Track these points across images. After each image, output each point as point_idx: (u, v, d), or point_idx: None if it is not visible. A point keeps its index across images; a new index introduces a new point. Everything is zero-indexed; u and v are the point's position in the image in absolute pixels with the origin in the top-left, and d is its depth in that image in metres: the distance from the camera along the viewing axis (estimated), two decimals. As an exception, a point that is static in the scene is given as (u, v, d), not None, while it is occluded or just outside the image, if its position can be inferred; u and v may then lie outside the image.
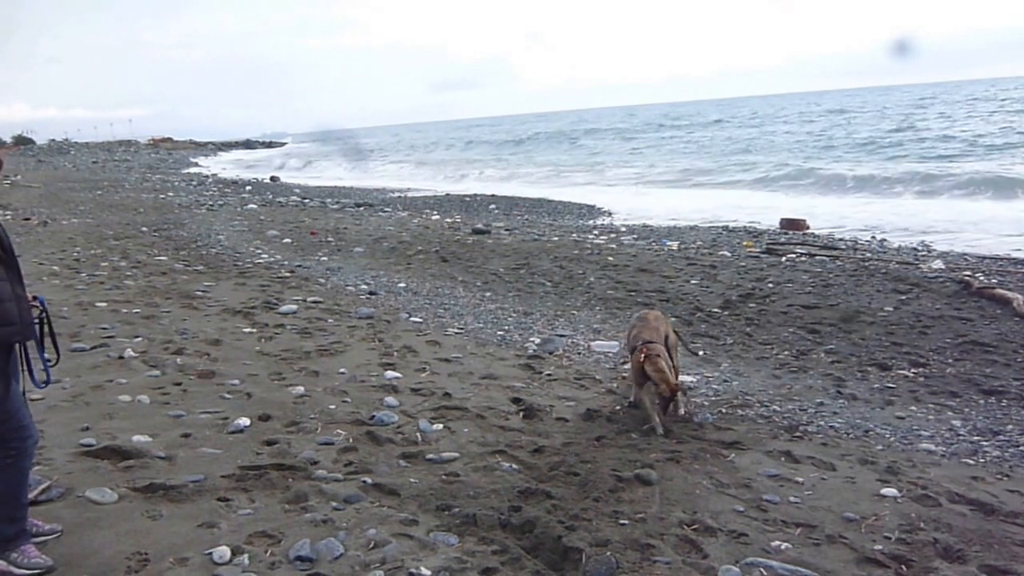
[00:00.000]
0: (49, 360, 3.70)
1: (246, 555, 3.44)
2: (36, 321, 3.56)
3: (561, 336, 7.90)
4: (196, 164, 56.75)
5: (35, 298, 3.57)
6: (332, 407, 5.49)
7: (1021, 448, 5.01)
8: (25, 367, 3.45)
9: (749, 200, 22.52)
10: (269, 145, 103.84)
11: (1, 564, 3.26)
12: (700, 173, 30.57)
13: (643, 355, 5.27)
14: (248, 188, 29.49)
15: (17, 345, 3.35)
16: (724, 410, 5.74)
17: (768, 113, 71.34)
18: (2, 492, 3.27)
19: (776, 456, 4.80)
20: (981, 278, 10.02)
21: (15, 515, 3.31)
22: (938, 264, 11.41)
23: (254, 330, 7.72)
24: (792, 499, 4.18)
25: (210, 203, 21.98)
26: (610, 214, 21.18)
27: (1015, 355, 6.96)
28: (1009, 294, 8.79)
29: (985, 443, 5.12)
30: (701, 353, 7.28)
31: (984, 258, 12.24)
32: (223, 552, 3.43)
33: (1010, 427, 5.39)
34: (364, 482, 4.26)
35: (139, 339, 7.13)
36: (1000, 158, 26.15)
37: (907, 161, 27.76)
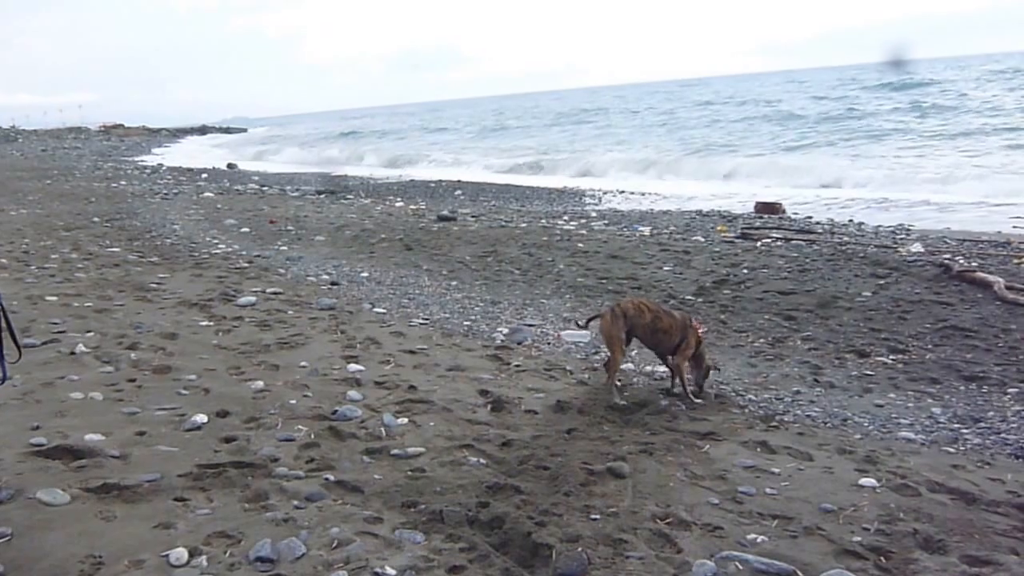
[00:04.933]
0: (6, 355, 3.53)
1: (204, 556, 3.34)
2: None
3: (530, 326, 7.83)
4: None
5: None
6: (293, 402, 5.36)
7: (1002, 435, 4.99)
8: None
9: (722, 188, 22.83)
10: (227, 131, 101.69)
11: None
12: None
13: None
14: (204, 176, 28.81)
15: None
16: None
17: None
18: None
19: (752, 446, 4.76)
20: (961, 261, 9.95)
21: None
22: (917, 247, 11.24)
23: (211, 323, 7.52)
24: (768, 490, 4.14)
25: (164, 192, 21.40)
26: (581, 198, 21.06)
27: (996, 340, 6.92)
28: (990, 277, 8.64)
29: (965, 430, 5.11)
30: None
31: (964, 240, 12.15)
32: (180, 554, 3.33)
33: (991, 414, 5.37)
34: (326, 479, 4.16)
35: (91, 334, 6.89)
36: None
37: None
